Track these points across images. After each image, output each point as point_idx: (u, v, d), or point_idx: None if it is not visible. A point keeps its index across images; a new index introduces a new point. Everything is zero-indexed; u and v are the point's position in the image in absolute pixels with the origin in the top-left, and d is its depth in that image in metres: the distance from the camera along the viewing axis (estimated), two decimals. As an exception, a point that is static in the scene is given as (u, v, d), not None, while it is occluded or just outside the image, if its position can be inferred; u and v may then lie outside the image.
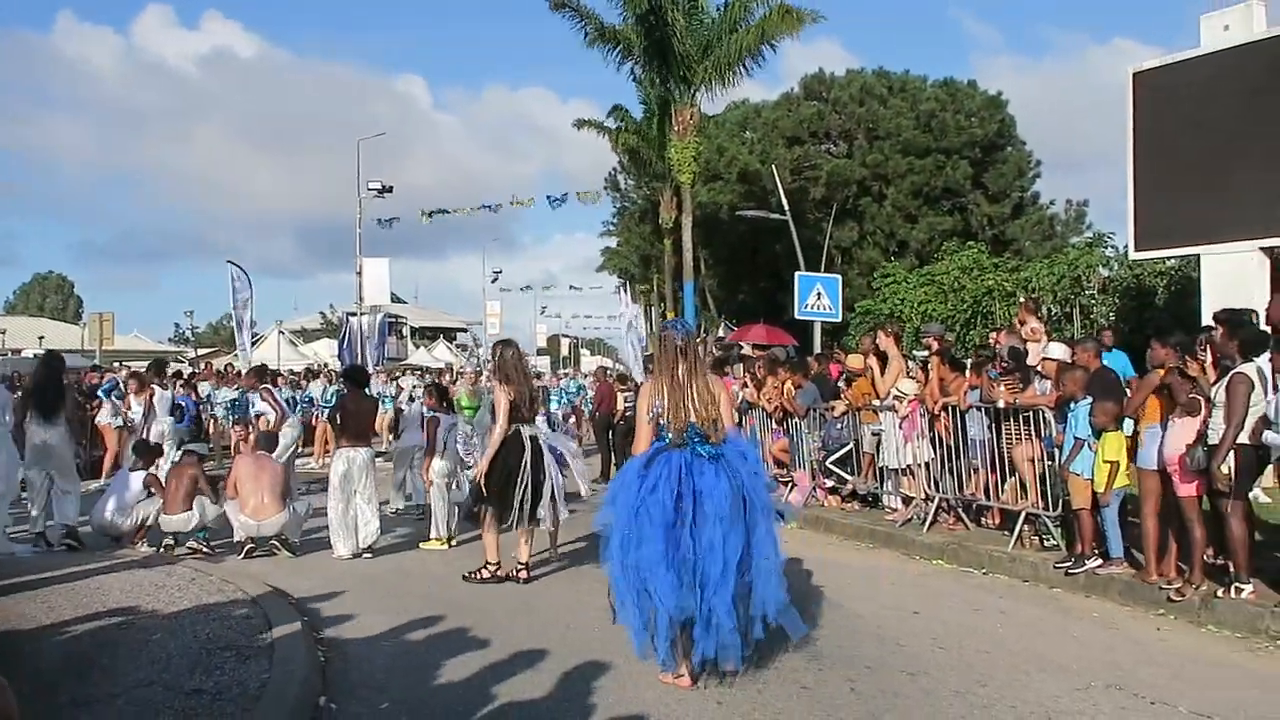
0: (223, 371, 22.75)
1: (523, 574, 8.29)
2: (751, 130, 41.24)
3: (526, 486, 8.06)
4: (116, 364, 23.18)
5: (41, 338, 45.15)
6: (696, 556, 5.25)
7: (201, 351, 48.40)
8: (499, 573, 8.30)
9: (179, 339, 67.02)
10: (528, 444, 8.17)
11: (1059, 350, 9.22)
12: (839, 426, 11.49)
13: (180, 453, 10.89)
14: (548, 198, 34.68)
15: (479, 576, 8.31)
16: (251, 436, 13.30)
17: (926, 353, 10.79)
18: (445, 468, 10.38)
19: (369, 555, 9.51)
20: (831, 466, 11.56)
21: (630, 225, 48.01)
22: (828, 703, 5.17)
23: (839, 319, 21.40)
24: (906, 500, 10.48)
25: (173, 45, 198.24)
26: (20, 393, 14.78)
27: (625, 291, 28.85)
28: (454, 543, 10.10)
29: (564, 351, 76.92)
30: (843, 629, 6.66)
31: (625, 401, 15.86)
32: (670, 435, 5.49)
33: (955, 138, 37.12)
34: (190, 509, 9.58)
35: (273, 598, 7.23)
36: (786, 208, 28.79)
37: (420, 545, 10.14)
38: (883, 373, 10.67)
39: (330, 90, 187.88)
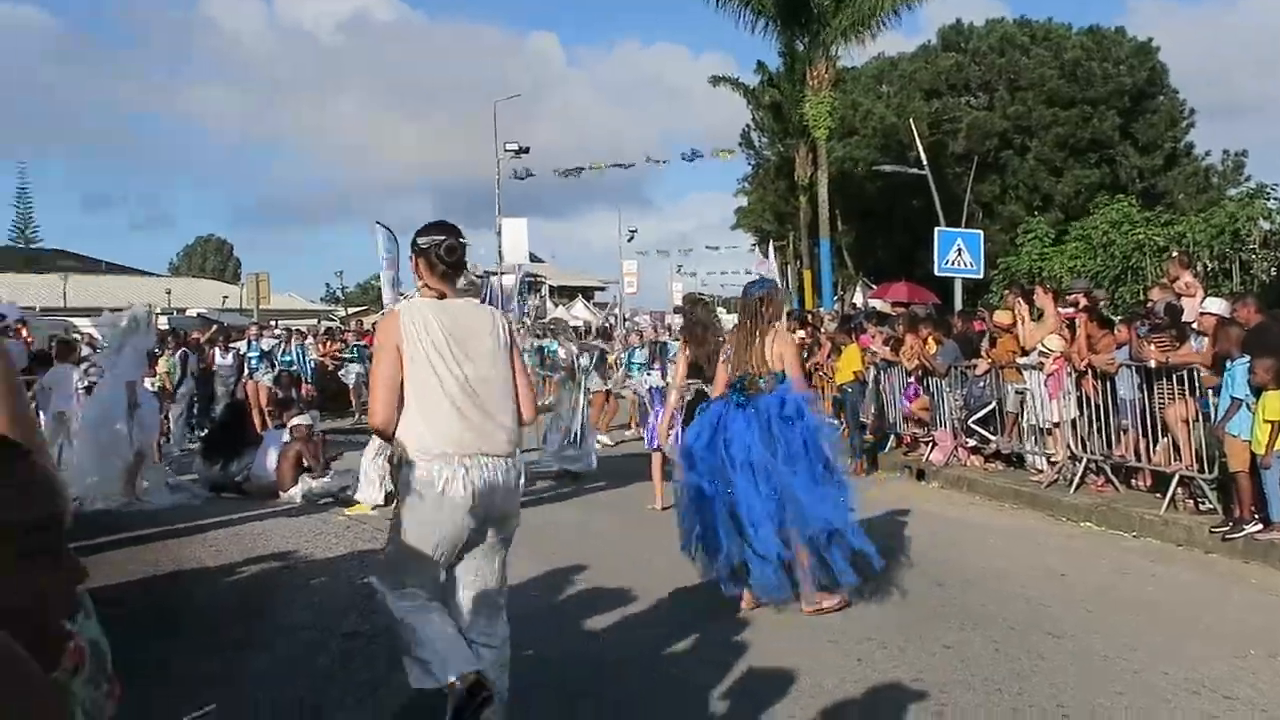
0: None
1: None
2: (888, 84, 40.19)
3: None
4: (272, 322, 24.19)
5: (199, 316, 47.25)
6: (735, 499, 5.71)
7: (351, 310, 49.97)
8: None
9: (330, 298, 69.31)
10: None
11: (1217, 305, 8.72)
12: (981, 385, 11.19)
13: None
14: (681, 155, 34.60)
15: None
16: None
17: (1073, 310, 10.40)
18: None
19: (517, 507, 9.70)
20: (974, 426, 11.28)
21: (765, 182, 47.41)
22: (971, 662, 5.07)
23: (980, 275, 20.75)
24: (1052, 461, 10.16)
25: (313, 10, 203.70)
26: (185, 349, 15.60)
27: (762, 251, 28.55)
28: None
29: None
30: (986, 589, 6.51)
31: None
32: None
33: (1102, 87, 35.44)
34: (297, 484, 9.94)
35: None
36: (925, 162, 28.02)
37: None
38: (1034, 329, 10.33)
39: (466, 51, 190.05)
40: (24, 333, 15.70)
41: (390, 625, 3.85)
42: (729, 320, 12.29)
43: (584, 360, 12.47)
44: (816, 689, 4.71)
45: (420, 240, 3.99)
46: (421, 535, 3.71)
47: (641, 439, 12.20)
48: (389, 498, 9.74)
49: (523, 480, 4.03)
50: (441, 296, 3.95)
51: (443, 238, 3.94)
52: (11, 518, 1.05)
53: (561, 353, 12.87)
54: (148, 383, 12.01)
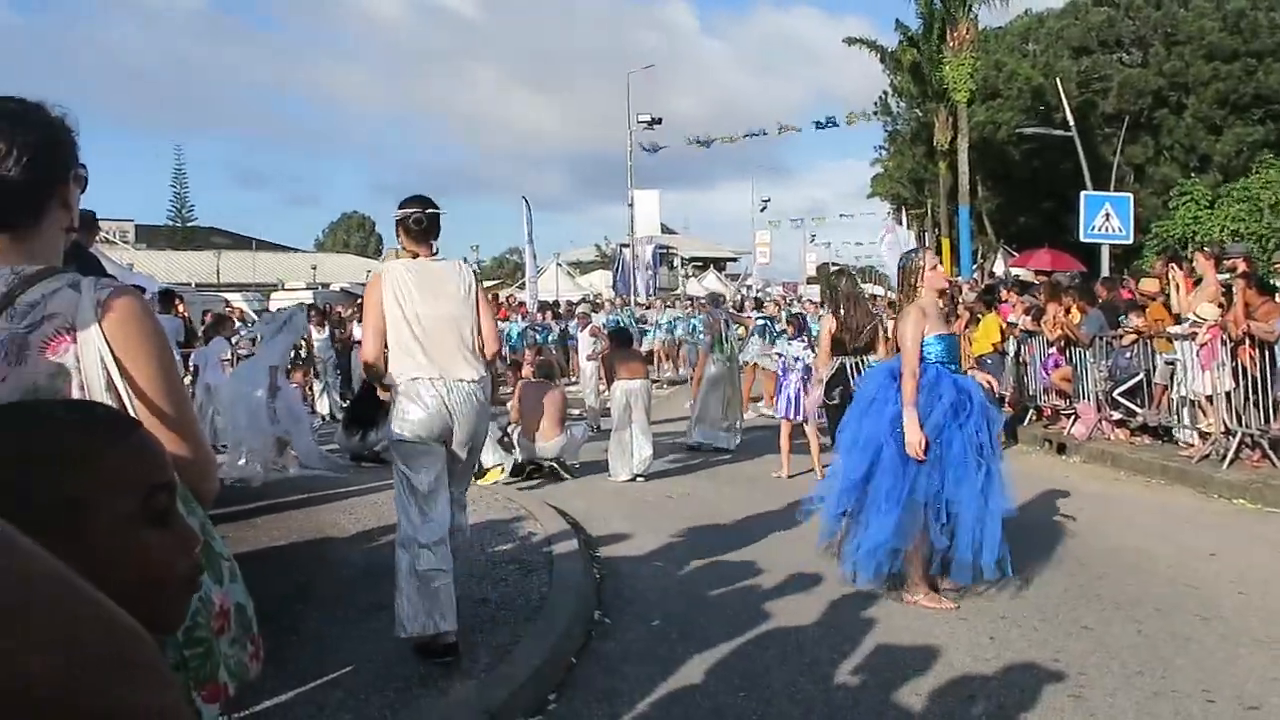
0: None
1: None
2: (1034, 42, 38.72)
3: None
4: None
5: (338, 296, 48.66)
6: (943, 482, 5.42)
7: (487, 284, 51.02)
8: None
9: (467, 272, 70.66)
10: (850, 376, 8.03)
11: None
12: (1128, 355, 10.75)
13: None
14: (815, 123, 34.04)
15: None
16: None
17: (1229, 275, 9.87)
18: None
19: (642, 479, 9.78)
20: (1119, 398, 10.84)
21: (902, 148, 46.36)
22: (1112, 644, 4.89)
23: (1130, 241, 19.87)
24: (1203, 435, 9.69)
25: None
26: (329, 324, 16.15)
27: (894, 219, 27.94)
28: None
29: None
30: (1129, 568, 6.26)
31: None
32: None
33: (1269, 39, 33.37)
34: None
35: (552, 516, 7.57)
36: (1072, 123, 26.91)
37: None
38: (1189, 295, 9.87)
39: (600, 22, 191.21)
40: (180, 307, 16.48)
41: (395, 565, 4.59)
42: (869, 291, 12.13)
43: (736, 330, 12.36)
44: (946, 666, 4.61)
45: (398, 212, 4.84)
46: (413, 429, 4.55)
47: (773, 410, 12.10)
48: (518, 468, 9.97)
49: (484, 398, 4.76)
50: (415, 256, 4.82)
51: (413, 210, 4.80)
52: (123, 485, 1.09)
53: (703, 326, 12.82)
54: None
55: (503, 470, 9.86)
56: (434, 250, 4.87)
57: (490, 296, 26.58)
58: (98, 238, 7.81)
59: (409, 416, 4.56)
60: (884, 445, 5.46)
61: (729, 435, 11.67)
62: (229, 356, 10.96)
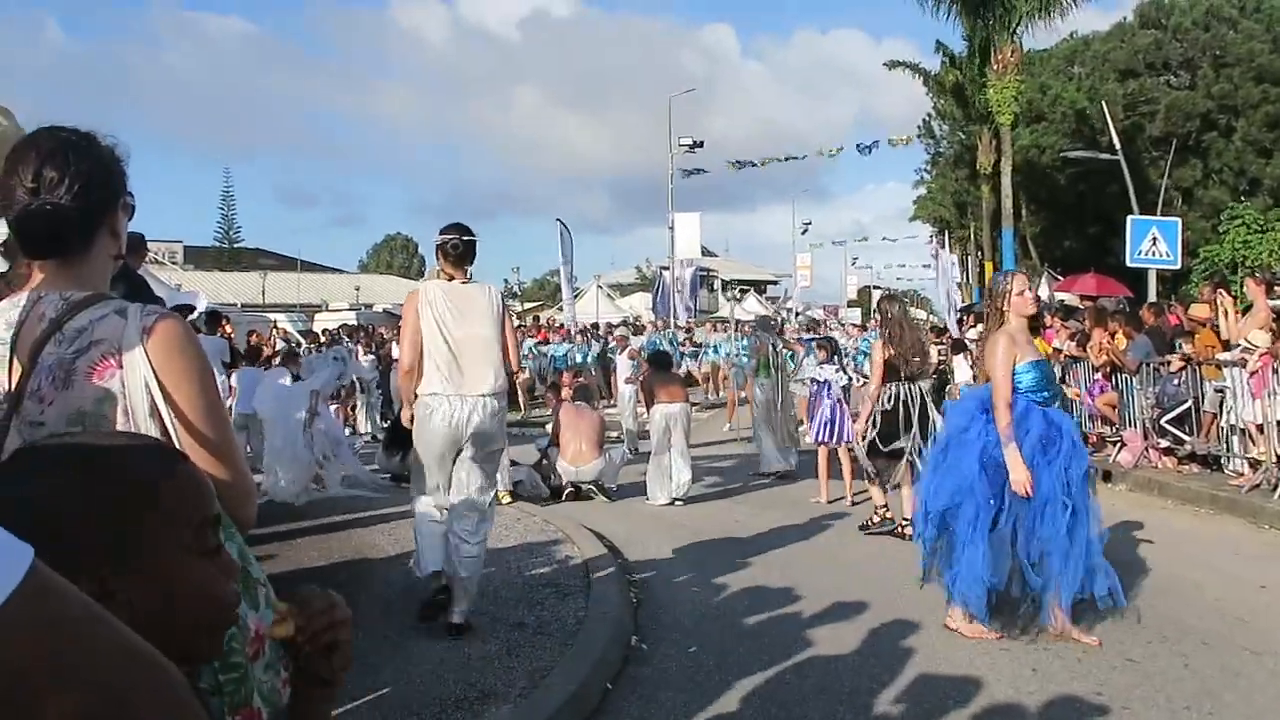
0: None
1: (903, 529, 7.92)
2: (1079, 65, 38.43)
3: (907, 443, 7.91)
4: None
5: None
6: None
7: (527, 306, 51.19)
8: (889, 517, 8.23)
9: (507, 294, 70.92)
10: (907, 404, 7.97)
11: None
12: (1176, 383, 10.59)
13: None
14: (857, 146, 33.94)
15: (873, 522, 8.27)
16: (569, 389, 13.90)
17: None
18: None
19: (680, 503, 9.76)
20: (1166, 425, 10.68)
21: (945, 170, 46.15)
22: (1157, 678, 4.80)
23: (1178, 265, 19.61)
24: (1254, 464, 9.51)
25: (494, 9, 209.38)
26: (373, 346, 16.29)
27: (937, 242, 27.76)
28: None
29: (874, 304, 75.35)
30: (1176, 600, 6.15)
31: (940, 354, 15.27)
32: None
33: (1320, 61, 32.94)
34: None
35: (590, 540, 7.58)
36: (1119, 146, 26.65)
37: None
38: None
39: (641, 45, 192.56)
40: (227, 328, 16.65)
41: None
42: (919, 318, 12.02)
43: (792, 354, 12.28)
44: (987, 697, 4.56)
45: (438, 238, 5.47)
46: (424, 447, 5.28)
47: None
48: (556, 491, 10.01)
49: (501, 413, 5.38)
50: (450, 279, 5.42)
51: (451, 236, 5.41)
52: (180, 517, 1.13)
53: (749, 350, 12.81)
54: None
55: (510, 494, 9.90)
56: (468, 275, 5.46)
57: (532, 319, 26.78)
58: (146, 259, 7.93)
59: (425, 433, 5.27)
60: (975, 481, 5.26)
61: (785, 453, 11.57)
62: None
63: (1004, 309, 5.53)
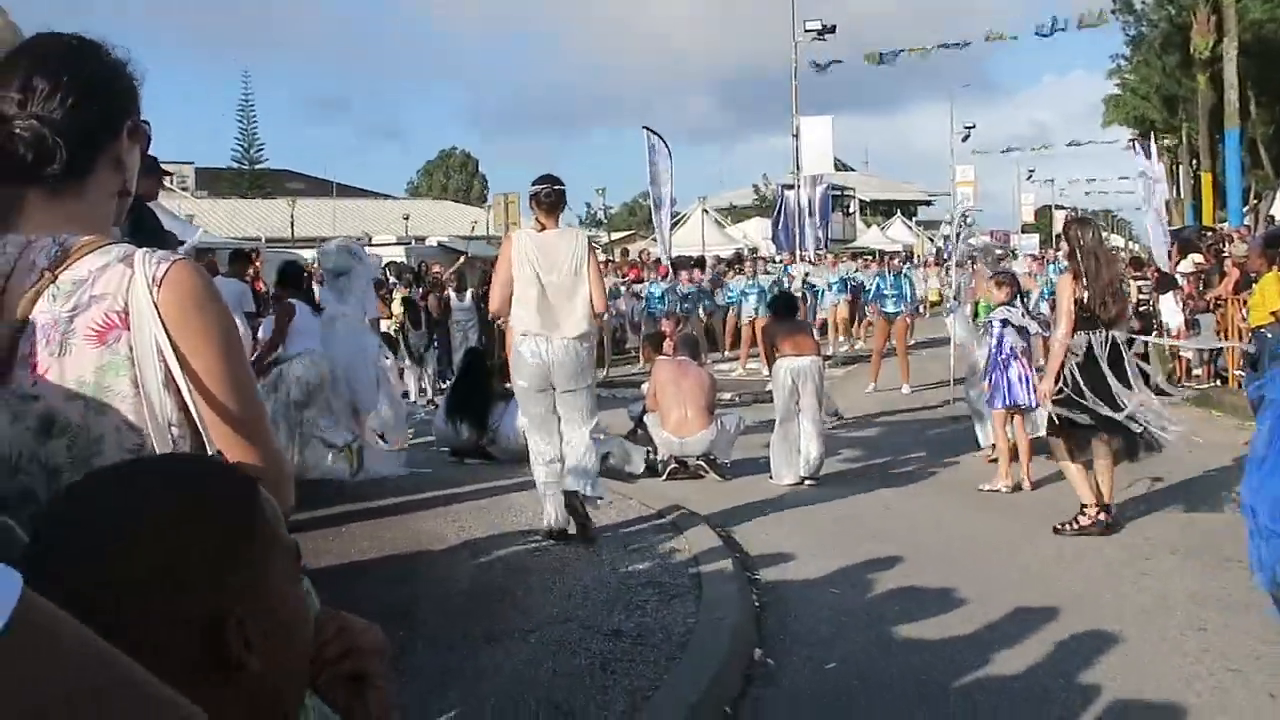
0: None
1: (1103, 515, 7.65)
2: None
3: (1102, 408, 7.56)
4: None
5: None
6: None
7: (615, 235, 51.10)
8: (1099, 516, 7.66)
9: (590, 220, 70.66)
10: (1101, 356, 7.65)
11: None
12: None
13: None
14: (1036, 28, 33.05)
15: (1073, 526, 7.70)
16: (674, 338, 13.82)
17: None
18: None
19: (813, 483, 9.70)
20: None
21: (1149, 58, 44.82)
22: None
23: None
24: None
25: None
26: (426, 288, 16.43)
27: (1141, 149, 26.92)
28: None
29: (1057, 227, 73.87)
30: None
31: (1140, 293, 14.83)
32: None
33: None
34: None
35: (699, 528, 7.59)
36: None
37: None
38: None
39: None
40: (258, 264, 16.70)
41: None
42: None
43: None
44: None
45: (531, 188, 7.36)
46: (521, 380, 7.13)
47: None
48: (656, 467, 10.05)
49: (586, 349, 7.11)
50: (542, 228, 7.27)
51: (544, 186, 7.24)
52: (276, 544, 1.22)
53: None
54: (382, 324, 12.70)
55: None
56: (558, 222, 7.36)
57: (620, 251, 26.79)
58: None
59: (519, 367, 7.10)
60: None
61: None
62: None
63: None
